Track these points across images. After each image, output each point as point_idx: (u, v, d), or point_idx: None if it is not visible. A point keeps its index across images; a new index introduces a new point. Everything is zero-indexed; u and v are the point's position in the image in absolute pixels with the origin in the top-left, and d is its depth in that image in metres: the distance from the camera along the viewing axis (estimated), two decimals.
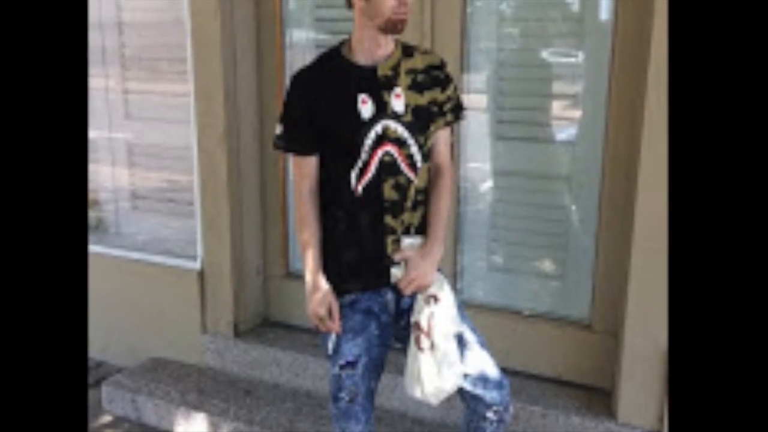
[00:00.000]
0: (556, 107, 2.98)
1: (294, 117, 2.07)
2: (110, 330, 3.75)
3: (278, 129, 2.11)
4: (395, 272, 2.06)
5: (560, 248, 3.03)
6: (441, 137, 2.14)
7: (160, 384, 3.35)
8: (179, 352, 3.58)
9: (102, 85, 3.69)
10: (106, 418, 3.32)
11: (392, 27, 1.96)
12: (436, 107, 2.08)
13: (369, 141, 2.00)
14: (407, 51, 2.09)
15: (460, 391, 2.09)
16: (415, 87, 2.05)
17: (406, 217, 2.08)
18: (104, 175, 3.83)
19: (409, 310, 2.10)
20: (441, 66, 2.11)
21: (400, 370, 2.16)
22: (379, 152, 2.01)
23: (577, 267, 3.00)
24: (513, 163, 3.06)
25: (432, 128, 2.09)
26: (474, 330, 2.13)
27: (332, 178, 2.07)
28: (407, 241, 2.07)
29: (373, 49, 2.02)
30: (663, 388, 2.63)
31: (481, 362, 2.09)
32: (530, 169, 3.02)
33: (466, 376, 2.06)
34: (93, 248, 3.64)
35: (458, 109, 2.16)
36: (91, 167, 3.75)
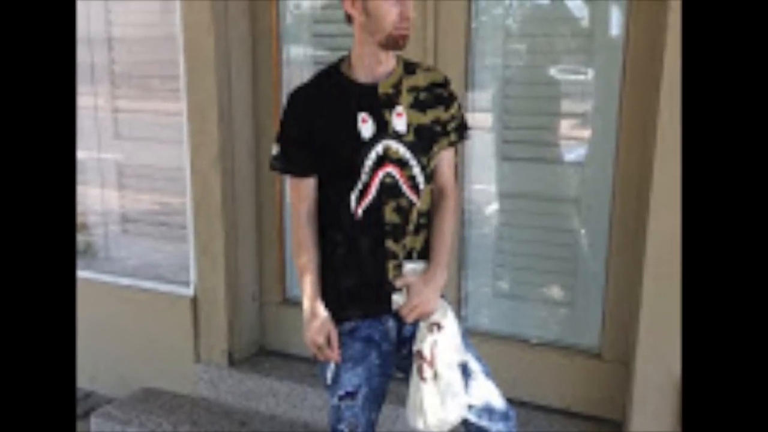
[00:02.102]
0: (565, 126, 2.97)
1: (291, 136, 2.05)
2: (99, 359, 3.72)
3: (275, 149, 2.09)
4: (397, 299, 2.05)
5: (569, 274, 3.01)
6: (444, 158, 2.12)
7: (151, 415, 3.31)
8: (171, 382, 3.54)
9: (91, 103, 3.67)
10: None
11: (394, 43, 1.94)
12: (440, 126, 2.06)
13: (369, 162, 1.98)
14: (409, 68, 2.07)
15: (465, 423, 2.06)
16: (418, 105, 2.03)
17: (408, 241, 2.06)
18: (93, 198, 3.81)
19: (411, 338, 2.07)
20: (444, 83, 2.10)
21: (402, 401, 2.12)
22: (380, 173, 1.99)
23: (586, 293, 2.98)
24: (519, 185, 3.04)
25: (435, 148, 2.07)
26: (479, 359, 2.11)
27: (331, 201, 2.05)
28: (409, 267, 2.05)
29: (374, 66, 2.00)
30: (676, 419, 2.61)
31: (487, 392, 2.06)
32: (537, 191, 3.00)
33: (470, 407, 2.03)
34: (81, 273, 3.60)
35: (462, 129, 2.14)
36: (80, 189, 3.72)
